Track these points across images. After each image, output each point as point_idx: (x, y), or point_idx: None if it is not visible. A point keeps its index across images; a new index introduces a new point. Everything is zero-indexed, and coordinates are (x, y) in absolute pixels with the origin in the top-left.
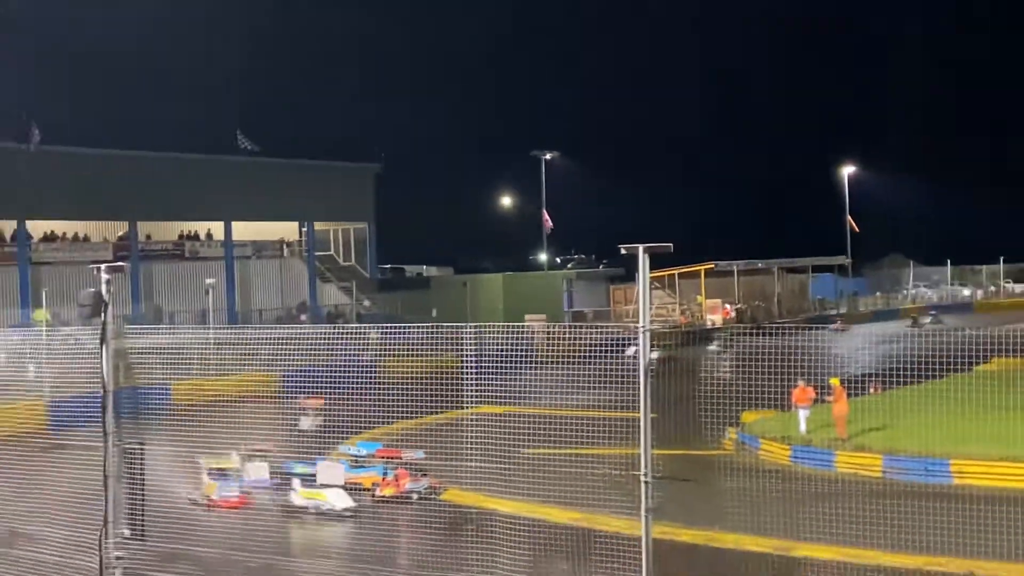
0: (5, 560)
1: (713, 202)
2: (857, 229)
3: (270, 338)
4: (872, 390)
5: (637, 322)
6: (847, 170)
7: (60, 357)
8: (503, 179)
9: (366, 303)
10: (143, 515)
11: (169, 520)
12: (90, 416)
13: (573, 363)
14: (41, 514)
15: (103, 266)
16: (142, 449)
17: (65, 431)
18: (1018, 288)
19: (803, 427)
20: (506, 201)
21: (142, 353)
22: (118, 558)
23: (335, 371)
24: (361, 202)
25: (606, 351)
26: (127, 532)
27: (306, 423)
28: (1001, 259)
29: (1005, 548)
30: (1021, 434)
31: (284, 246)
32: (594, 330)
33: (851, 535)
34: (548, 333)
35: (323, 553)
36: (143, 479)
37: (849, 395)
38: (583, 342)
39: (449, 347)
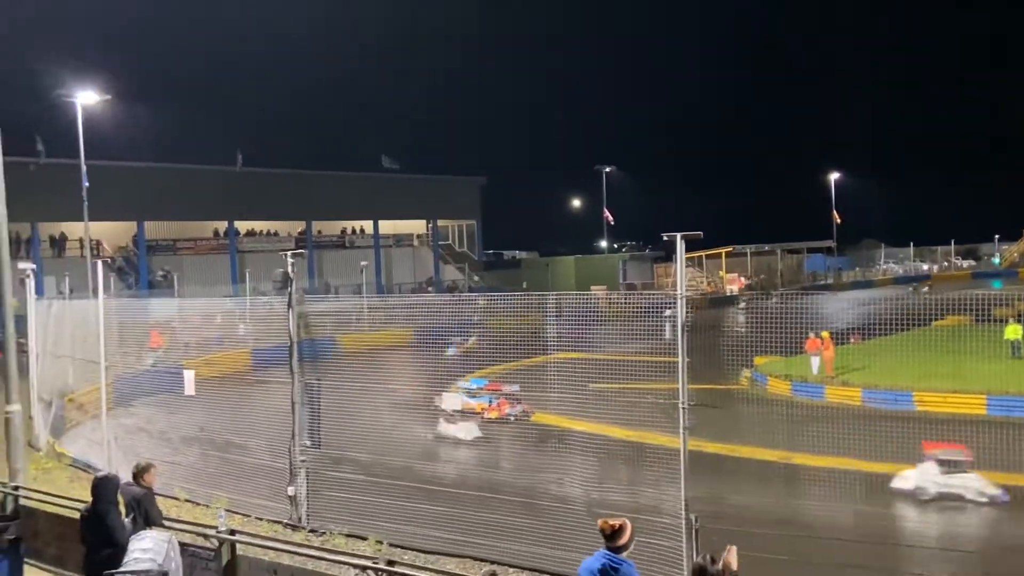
0: (224, 461)
1: (732, 199)
2: (840, 220)
3: (406, 304)
4: (853, 340)
5: (676, 290)
6: (833, 175)
7: (260, 318)
8: (575, 186)
9: (475, 279)
10: (320, 430)
11: (339, 433)
12: (281, 360)
13: (627, 321)
14: (248, 429)
15: (289, 253)
16: (319, 383)
17: (264, 371)
18: (965, 264)
19: (815, 369)
20: (577, 202)
21: (317, 315)
22: (302, 460)
23: (454, 328)
24: (471, 204)
25: (652, 312)
26: (308, 442)
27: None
28: (952, 241)
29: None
30: (968, 372)
31: (416, 238)
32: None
33: (837, 448)
34: (608, 299)
35: (451, 460)
36: (320, 405)
37: (836, 343)
38: (635, 306)
39: (536, 310)
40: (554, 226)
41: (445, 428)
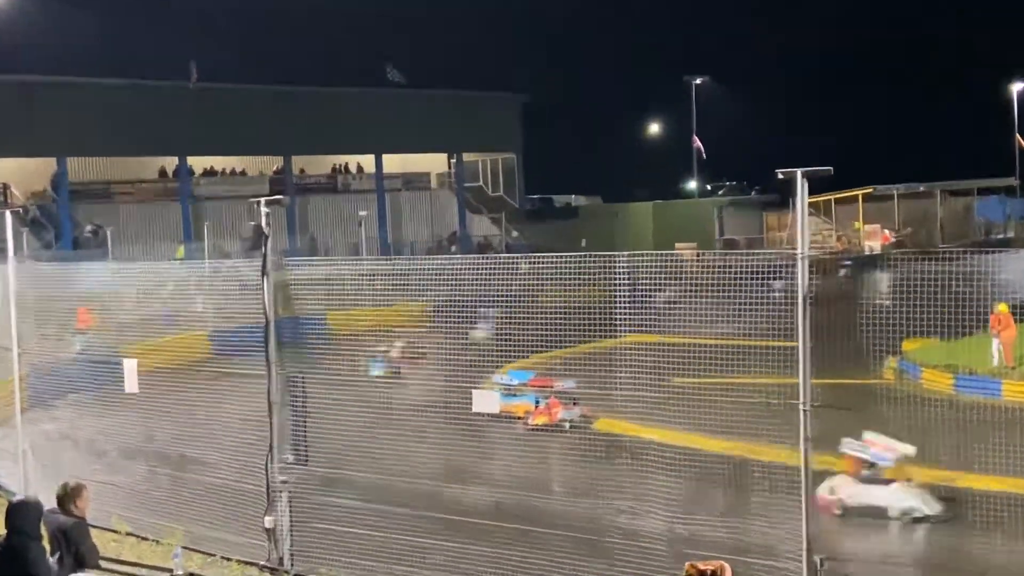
0: (179, 482)
1: (870, 123)
2: None
3: (422, 269)
4: None
5: (793, 248)
6: (1016, 86)
7: (223, 289)
8: (653, 105)
9: (515, 234)
10: (307, 441)
11: (332, 445)
12: (253, 346)
13: (726, 291)
14: (210, 439)
15: (263, 200)
16: (304, 378)
17: (230, 361)
18: None
19: (996, 359)
20: (656, 128)
21: (301, 284)
22: (283, 482)
23: (486, 301)
24: (509, 132)
25: (760, 279)
26: (291, 457)
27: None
28: None
29: None
30: None
31: (434, 179)
32: (748, 258)
33: (1021, 467)
34: (700, 261)
35: (482, 480)
36: (305, 406)
37: (1018, 321)
38: (736, 270)
39: (600, 276)
40: (623, 162)
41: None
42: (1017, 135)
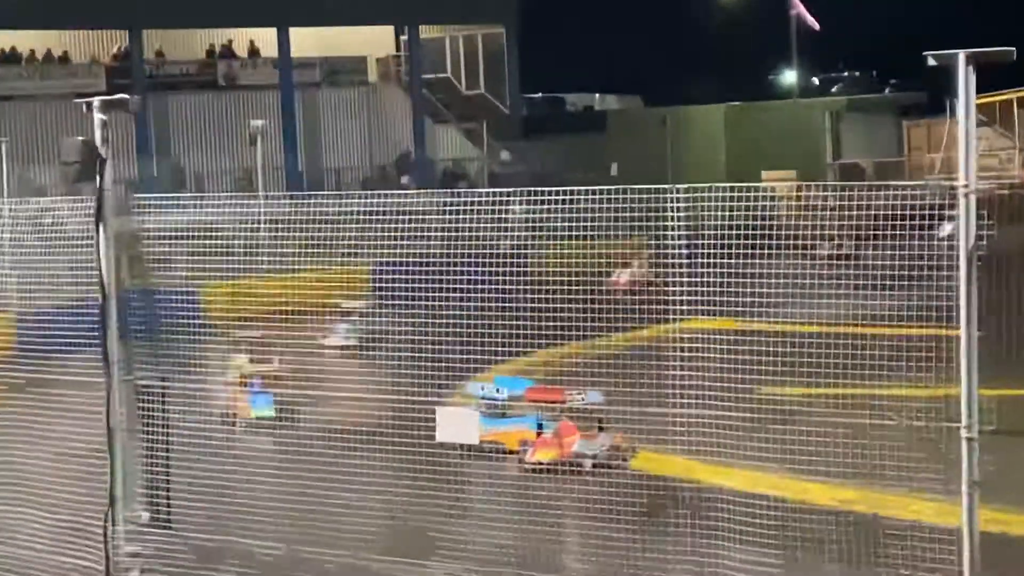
0: None
1: None
2: None
3: (354, 214)
4: None
5: (952, 178)
6: None
7: (33, 245)
8: None
9: (504, 155)
10: (169, 489)
11: (211, 496)
12: (80, 337)
13: (843, 248)
14: (13, 484)
15: (96, 101)
16: (164, 387)
17: (41, 360)
18: None
19: None
20: None
21: (160, 238)
22: (132, 555)
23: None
24: None
25: (899, 227)
26: (145, 516)
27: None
28: None
29: None
30: None
31: (374, 66)
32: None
33: None
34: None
35: (451, 549)
36: (168, 434)
37: None
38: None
39: (642, 225)
40: (680, 42)
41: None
42: None
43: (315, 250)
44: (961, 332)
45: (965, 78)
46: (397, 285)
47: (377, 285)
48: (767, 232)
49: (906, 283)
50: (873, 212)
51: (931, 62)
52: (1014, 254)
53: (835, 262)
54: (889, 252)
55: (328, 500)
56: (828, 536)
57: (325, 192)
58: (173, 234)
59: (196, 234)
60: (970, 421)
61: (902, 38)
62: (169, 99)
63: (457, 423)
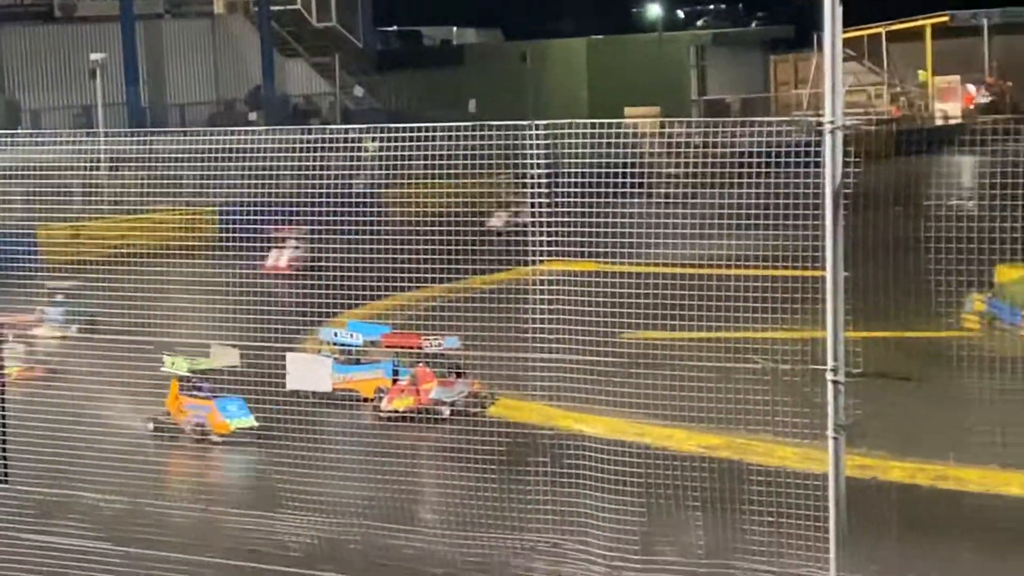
0: None
1: None
2: None
3: (201, 152)
4: None
5: (818, 115)
6: None
7: None
8: None
9: (358, 91)
10: (4, 443)
11: (49, 450)
12: None
13: (708, 188)
14: None
15: None
16: None
17: None
18: None
19: None
20: None
21: None
22: None
23: (308, 204)
24: None
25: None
26: None
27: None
28: None
29: None
30: None
31: None
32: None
33: None
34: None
35: (302, 500)
36: (2, 385)
37: None
38: (724, 151)
39: (500, 163)
40: None
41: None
42: None
43: (159, 190)
44: (827, 273)
45: (832, 11)
46: (246, 227)
47: (225, 228)
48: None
49: (771, 223)
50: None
51: None
52: (884, 192)
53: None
54: (754, 191)
55: (175, 453)
56: (696, 486)
57: (169, 129)
58: (7, 173)
59: (32, 174)
60: (836, 364)
61: None
62: (1, 31)
63: (308, 370)
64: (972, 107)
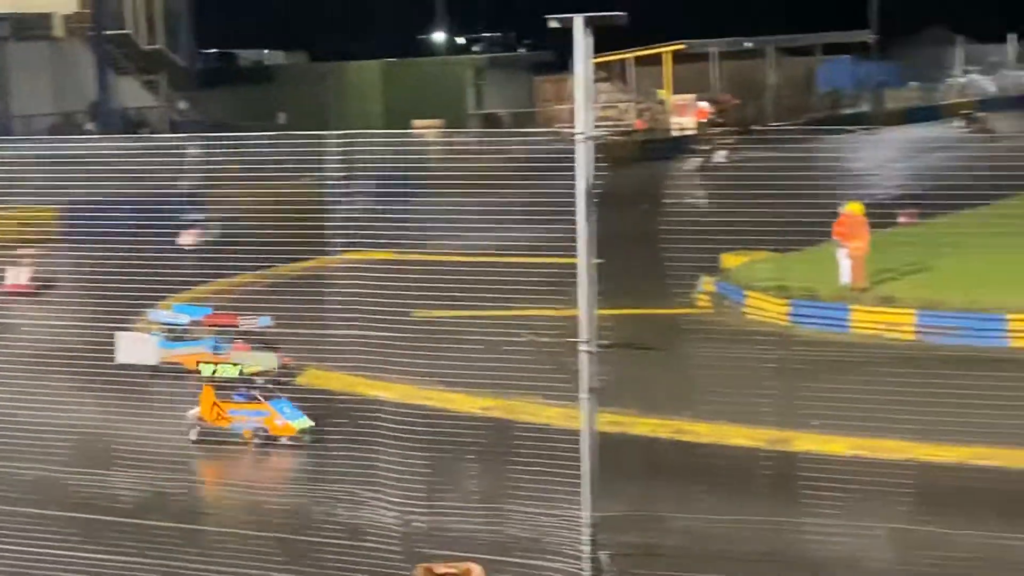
0: None
1: None
2: None
3: (44, 157)
4: (904, 219)
5: (572, 127)
6: None
7: None
8: None
9: (182, 105)
10: None
11: None
12: None
13: (485, 188)
14: None
15: None
16: None
17: None
18: None
19: (846, 275)
20: None
21: None
22: None
23: (140, 203)
24: None
25: (533, 169)
26: None
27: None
28: None
29: None
30: None
31: (59, 22)
32: (513, 140)
33: (872, 421)
34: (448, 146)
35: (132, 460)
36: None
37: (872, 226)
38: (499, 157)
39: (305, 168)
40: (341, 3)
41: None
42: None
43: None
44: (580, 260)
45: (582, 38)
46: (84, 225)
47: (68, 225)
48: (417, 172)
49: (535, 218)
50: (507, 156)
51: (554, 24)
52: (631, 192)
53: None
54: (520, 191)
55: (21, 419)
56: (472, 440)
57: (14, 137)
58: None
59: None
60: (589, 337)
61: (535, 2)
62: None
63: (136, 347)
64: (704, 120)
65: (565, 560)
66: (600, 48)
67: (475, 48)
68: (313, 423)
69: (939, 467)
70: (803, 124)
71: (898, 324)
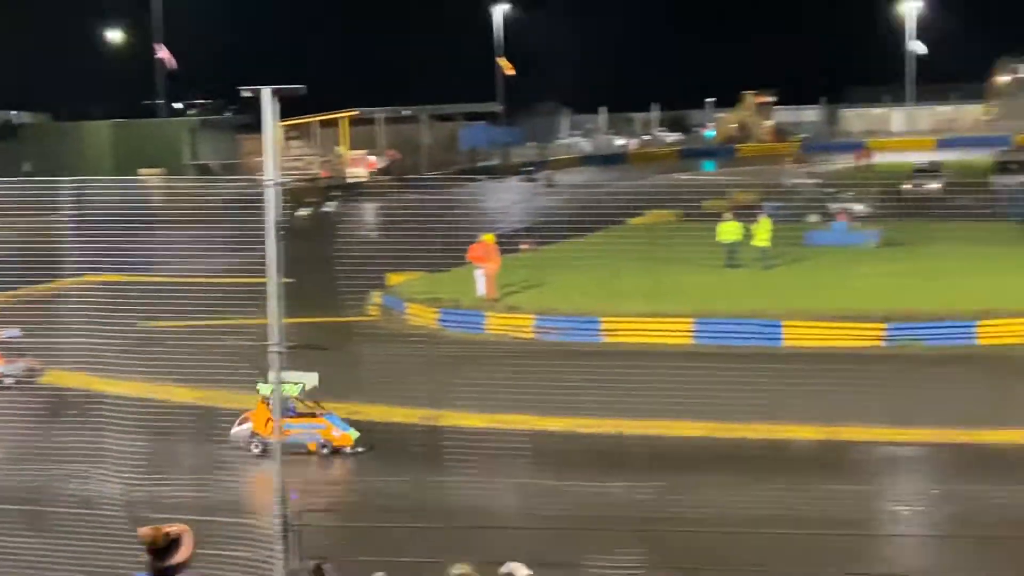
0: None
1: (354, 41)
2: (512, 70)
3: None
4: (525, 247)
5: (262, 175)
6: (500, 8)
7: None
8: (114, 8)
9: None
10: None
11: None
12: None
13: (197, 223)
14: None
15: None
16: None
17: None
18: (671, 137)
19: (481, 288)
20: (117, 36)
21: None
22: None
23: None
24: None
25: (238, 208)
26: None
27: None
28: (655, 106)
29: (651, 406)
30: (670, 288)
31: None
32: (219, 184)
33: (500, 400)
34: (168, 189)
35: None
36: None
37: (502, 252)
38: (209, 198)
39: (45, 207)
40: (76, 72)
41: None
42: (500, 59)
43: None
44: (269, 279)
45: (269, 105)
46: None
47: None
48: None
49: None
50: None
51: (246, 93)
52: (316, 226)
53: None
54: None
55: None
56: (186, 425)
57: None
58: None
59: None
60: (277, 340)
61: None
62: None
63: None
64: (373, 170)
65: (261, 517)
66: (293, 113)
67: (191, 111)
68: (359, 433)
69: (551, 434)
70: (449, 174)
71: (521, 326)
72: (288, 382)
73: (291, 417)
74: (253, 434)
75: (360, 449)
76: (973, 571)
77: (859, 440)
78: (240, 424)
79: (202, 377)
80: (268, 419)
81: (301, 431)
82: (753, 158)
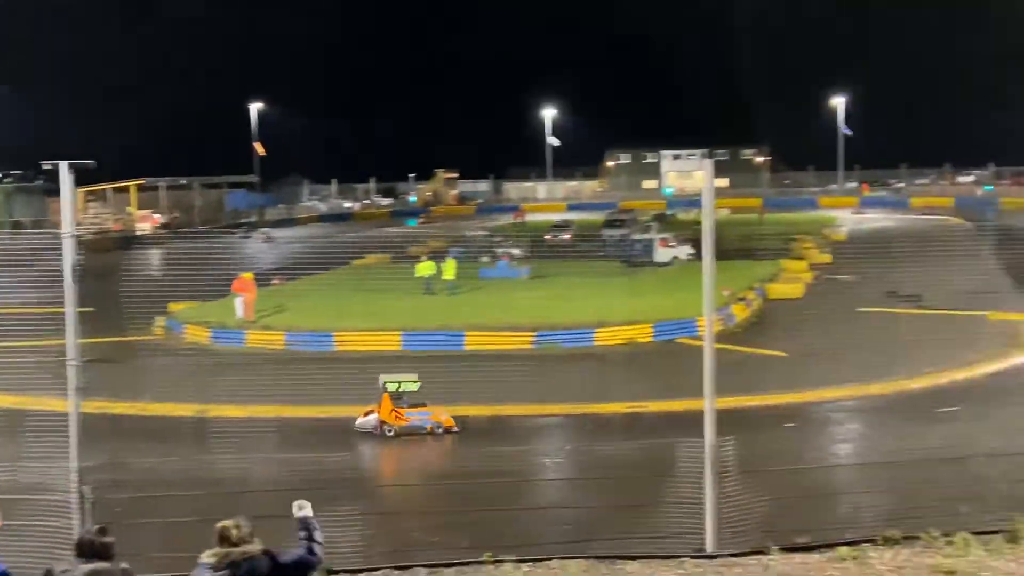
0: None
1: (146, 126)
2: (264, 152)
3: None
4: (276, 281)
5: (61, 230)
6: (255, 105)
7: None
8: None
9: None
10: None
11: None
12: None
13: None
14: None
15: None
16: None
17: None
18: (385, 202)
19: (239, 312)
20: None
21: None
22: None
23: None
24: None
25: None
26: None
27: None
28: (373, 179)
29: (372, 397)
30: (385, 310)
31: None
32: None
33: (258, 396)
34: None
35: None
36: None
37: (259, 285)
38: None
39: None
40: None
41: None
42: (255, 144)
43: None
44: (67, 309)
45: (65, 176)
46: None
47: None
48: None
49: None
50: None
51: (47, 167)
52: (112, 267)
53: None
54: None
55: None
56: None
57: None
58: None
59: None
60: (74, 356)
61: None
62: None
63: None
64: (156, 225)
65: (61, 493)
66: (91, 182)
67: (6, 180)
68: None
69: (292, 419)
70: (217, 228)
71: (273, 340)
72: (410, 380)
73: (410, 407)
74: (381, 422)
75: (455, 429)
76: (596, 501)
77: (517, 415)
78: (366, 415)
79: (12, 386)
80: (392, 409)
81: (420, 417)
82: (443, 217)
